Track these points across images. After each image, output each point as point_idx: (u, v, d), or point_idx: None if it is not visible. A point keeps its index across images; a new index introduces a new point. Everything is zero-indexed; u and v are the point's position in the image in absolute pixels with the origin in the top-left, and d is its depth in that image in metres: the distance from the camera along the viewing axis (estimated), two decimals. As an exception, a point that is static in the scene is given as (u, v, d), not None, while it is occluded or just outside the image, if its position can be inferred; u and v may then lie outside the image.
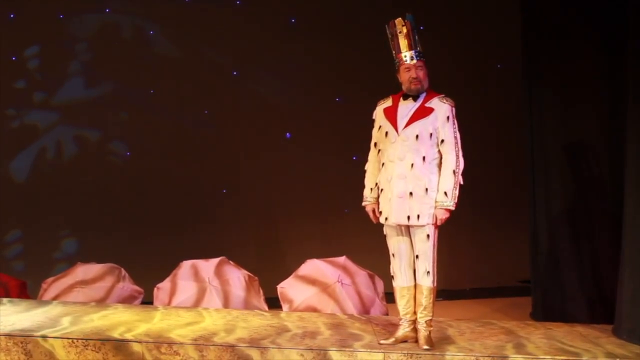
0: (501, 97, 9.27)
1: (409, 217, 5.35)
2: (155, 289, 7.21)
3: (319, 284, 6.96)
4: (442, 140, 5.36)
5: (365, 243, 8.73)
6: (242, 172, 9.18)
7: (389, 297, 7.39)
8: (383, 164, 5.53)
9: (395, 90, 5.63)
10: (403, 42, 5.51)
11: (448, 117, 5.38)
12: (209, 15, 9.19)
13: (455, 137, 5.39)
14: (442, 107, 5.40)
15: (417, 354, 5.27)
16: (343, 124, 9.06)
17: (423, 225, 5.35)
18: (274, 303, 7.25)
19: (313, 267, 7.15)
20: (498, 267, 9.23)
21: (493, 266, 9.24)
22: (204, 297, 6.90)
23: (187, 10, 9.19)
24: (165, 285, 7.16)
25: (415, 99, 5.47)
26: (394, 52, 5.56)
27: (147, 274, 7.78)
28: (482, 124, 9.35)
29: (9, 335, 5.48)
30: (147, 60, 9.18)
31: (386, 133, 5.49)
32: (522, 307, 7.87)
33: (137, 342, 5.41)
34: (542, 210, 7.35)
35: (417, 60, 5.46)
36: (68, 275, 7.38)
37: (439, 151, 5.39)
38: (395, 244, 5.53)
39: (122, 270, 7.45)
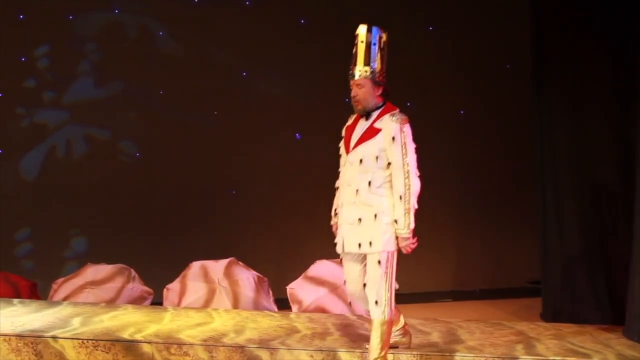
0: (510, 97, 9.27)
1: (360, 245, 4.97)
2: (165, 289, 7.23)
3: (328, 285, 6.96)
4: (391, 163, 4.97)
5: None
6: (251, 172, 9.18)
7: (399, 297, 7.40)
8: (337, 187, 5.27)
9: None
10: (353, 56, 5.19)
11: (394, 138, 4.96)
12: (218, 15, 9.20)
13: (404, 159, 4.97)
14: (389, 127, 4.99)
15: (427, 355, 5.26)
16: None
17: (374, 253, 4.92)
18: (283, 304, 7.26)
19: (322, 267, 7.16)
20: (507, 268, 9.23)
21: (502, 267, 9.23)
22: (214, 298, 6.91)
23: (196, 10, 9.21)
24: (174, 286, 7.18)
25: (367, 117, 5.11)
26: None
27: (156, 274, 7.80)
28: (490, 124, 9.36)
29: (19, 336, 5.50)
30: (156, 61, 9.20)
31: (340, 155, 5.21)
32: (532, 308, 7.84)
33: (147, 342, 5.42)
34: (551, 211, 7.32)
35: (359, 77, 5.08)
36: (78, 276, 7.41)
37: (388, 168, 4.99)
38: (348, 270, 5.14)
39: (132, 271, 7.47)
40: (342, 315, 6.55)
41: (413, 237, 4.97)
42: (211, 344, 5.40)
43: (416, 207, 5.01)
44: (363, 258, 5.03)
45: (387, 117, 5.06)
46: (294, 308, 6.95)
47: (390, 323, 5.00)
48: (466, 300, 8.84)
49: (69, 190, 9.04)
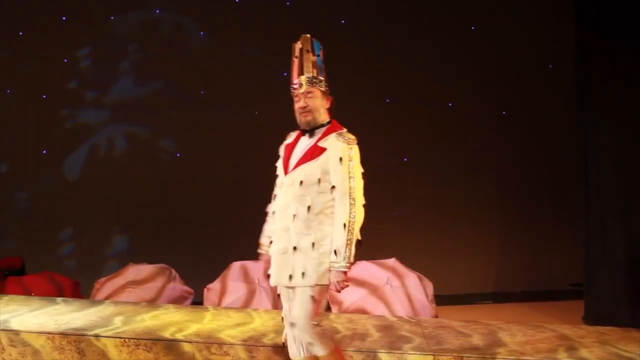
0: (552, 97, 9.16)
1: (290, 276, 4.43)
2: (205, 289, 7.27)
3: (368, 286, 6.94)
4: (334, 187, 4.45)
5: (415, 245, 8.75)
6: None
7: (439, 299, 7.37)
8: (273, 212, 4.74)
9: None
10: (294, 68, 4.74)
11: (341, 159, 4.48)
12: (259, 16, 9.22)
13: (350, 184, 4.47)
14: (335, 147, 4.51)
15: (468, 356, 5.22)
16: (393, 125, 9.03)
17: (307, 286, 4.38)
18: (323, 304, 7.25)
19: (362, 269, 7.14)
20: (549, 271, 9.13)
21: (543, 269, 9.13)
22: (254, 298, 6.93)
23: (237, 11, 9.23)
24: (215, 286, 7.21)
25: (311, 134, 4.63)
26: None
27: (197, 274, 7.84)
28: (532, 125, 9.26)
29: (63, 334, 5.56)
30: (196, 60, 9.25)
31: (277, 176, 4.72)
32: (574, 311, 7.76)
33: (187, 342, 5.44)
34: (596, 213, 7.23)
35: (308, 86, 4.65)
36: (120, 276, 7.49)
37: (333, 198, 4.48)
38: (283, 302, 4.61)
39: (173, 270, 7.52)
40: (382, 317, 6.53)
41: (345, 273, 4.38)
42: (251, 344, 5.41)
43: (359, 238, 4.49)
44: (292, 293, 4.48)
45: (333, 136, 4.58)
46: (334, 309, 6.95)
47: (335, 351, 4.47)
48: (507, 303, 8.77)
49: (111, 190, 9.13)
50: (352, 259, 4.40)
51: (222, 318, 6.25)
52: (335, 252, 4.37)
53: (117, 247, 9.20)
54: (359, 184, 4.51)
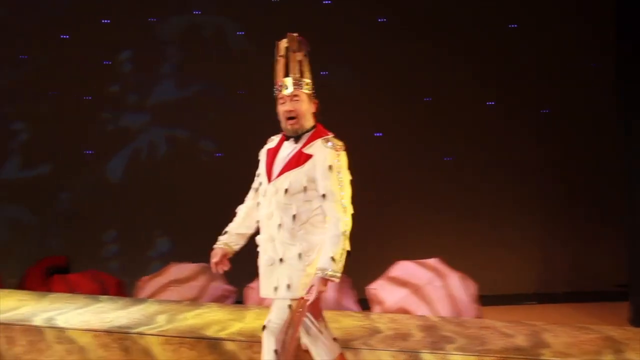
0: (594, 96, 9.07)
1: (275, 288, 4.32)
2: (247, 288, 7.28)
3: (410, 286, 6.92)
4: (324, 195, 4.28)
5: (458, 245, 8.70)
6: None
7: (482, 299, 7.32)
8: (258, 221, 4.57)
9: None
10: (279, 68, 4.52)
11: (330, 167, 4.32)
12: (297, 15, 9.23)
13: (341, 192, 4.33)
14: (322, 153, 4.33)
15: (512, 357, 5.17)
16: (433, 124, 9.01)
17: (293, 299, 4.26)
18: (365, 304, 7.24)
19: (404, 268, 7.12)
20: (593, 271, 9.02)
21: (587, 270, 9.03)
22: (296, 298, 6.93)
23: (275, 10, 9.25)
24: (256, 285, 7.21)
25: (296, 140, 4.44)
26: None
27: (238, 273, 7.85)
28: (574, 124, 9.18)
29: (107, 332, 5.61)
30: (235, 61, 9.29)
31: (260, 183, 4.58)
32: (620, 312, 7.65)
33: (230, 340, 5.46)
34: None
35: (295, 88, 4.44)
36: (162, 275, 7.54)
37: (320, 207, 4.30)
38: (269, 313, 4.53)
39: (215, 269, 7.55)
40: (424, 317, 6.50)
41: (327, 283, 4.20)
42: (294, 343, 5.41)
43: (349, 249, 4.33)
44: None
45: (319, 142, 4.40)
46: (376, 309, 6.93)
47: (340, 358, 4.37)
48: (550, 303, 8.69)
49: (153, 192, 9.21)
50: (342, 269, 4.23)
51: (264, 317, 6.20)
52: (332, 258, 4.18)
53: (160, 249, 9.28)
54: (348, 192, 4.37)
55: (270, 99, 9.38)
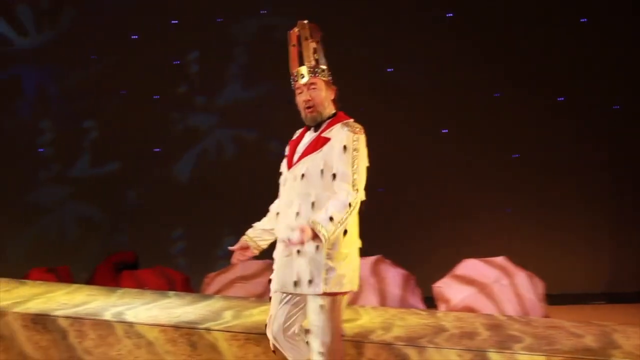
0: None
1: (296, 283, 4.16)
2: (314, 285, 7.31)
3: (476, 284, 6.86)
4: (334, 175, 4.10)
5: (526, 243, 8.60)
6: (397, 169, 9.17)
7: (550, 299, 7.21)
8: (277, 213, 4.47)
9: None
10: (293, 57, 4.42)
11: (345, 147, 4.12)
12: (362, 11, 9.23)
13: (353, 173, 4.08)
14: (339, 135, 4.18)
15: (581, 358, 5.08)
16: (502, 120, 8.92)
17: (316, 295, 4.09)
18: (430, 302, 7.20)
19: (470, 266, 7.07)
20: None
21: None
22: (361, 295, 6.94)
23: (339, 7, 9.26)
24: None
25: (317, 128, 4.33)
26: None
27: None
28: None
29: (175, 327, 5.67)
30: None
31: (281, 174, 4.44)
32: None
33: (296, 337, 5.47)
34: None
35: (311, 77, 4.34)
36: (229, 271, 7.61)
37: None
38: (276, 310, 4.36)
39: (280, 266, 7.59)
40: (491, 315, 6.42)
41: (315, 237, 3.94)
42: (359, 340, 5.40)
43: (347, 229, 4.13)
44: (300, 301, 4.23)
45: (338, 126, 4.26)
46: (441, 307, 6.89)
47: None
48: (621, 303, 8.52)
49: (220, 191, 9.30)
50: (332, 237, 3.99)
51: (329, 314, 6.26)
52: (330, 218, 3.96)
53: (227, 246, 9.35)
54: (361, 176, 4.14)
55: (337, 96, 9.43)
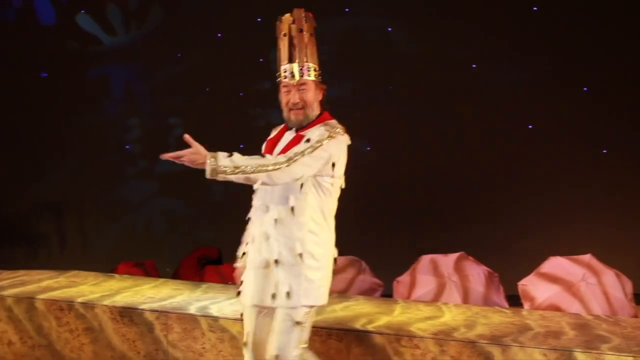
0: None
1: (273, 295, 3.85)
2: (395, 282, 7.30)
3: (562, 283, 6.74)
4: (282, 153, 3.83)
5: (613, 241, 8.40)
6: (482, 166, 9.08)
7: (638, 298, 7.04)
8: (249, 218, 4.14)
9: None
10: (284, 50, 4.07)
11: (309, 140, 3.88)
12: (444, 8, 9.16)
13: (303, 152, 3.78)
14: (314, 132, 3.94)
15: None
16: (591, 116, 8.73)
17: (291, 308, 3.83)
18: (513, 300, 7.11)
19: (556, 264, 6.95)
20: None
21: None
22: (444, 292, 6.89)
23: (423, 4, 9.22)
24: (404, 279, 7.23)
25: (297, 128, 4.04)
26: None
27: (386, 267, 7.89)
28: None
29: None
30: (385, 57, 9.32)
31: None
32: None
33: (378, 333, 5.46)
34: None
35: (301, 76, 4.02)
36: (311, 267, 7.65)
37: (320, 201, 3.96)
38: (251, 325, 4.04)
39: (363, 263, 7.60)
40: (577, 315, 6.30)
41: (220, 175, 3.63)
42: (442, 337, 5.36)
43: (255, 185, 3.91)
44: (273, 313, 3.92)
45: (317, 125, 3.99)
46: (526, 305, 6.80)
47: None
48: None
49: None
50: (219, 176, 3.65)
51: (412, 311, 6.24)
52: (232, 160, 3.67)
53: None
54: (309, 160, 3.81)
55: (419, 94, 9.41)
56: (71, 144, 9.93)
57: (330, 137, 3.93)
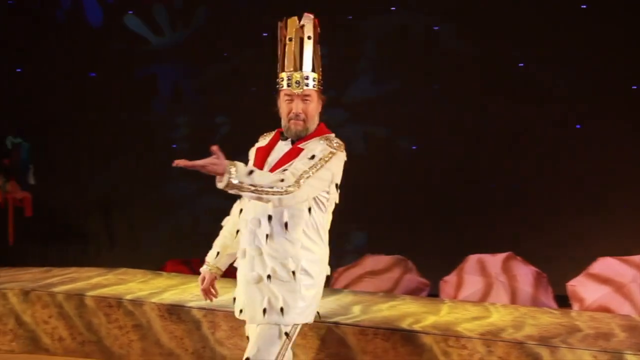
0: None
1: (265, 310, 3.74)
2: (442, 282, 7.27)
3: (612, 284, 6.66)
4: (284, 171, 3.73)
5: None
6: (529, 166, 8.99)
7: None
8: (238, 231, 4.04)
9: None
10: (289, 56, 3.95)
11: (314, 156, 3.77)
12: (492, 6, 9.08)
13: (309, 172, 3.69)
14: (314, 145, 3.84)
15: None
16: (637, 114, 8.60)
17: (284, 324, 3.76)
18: (562, 301, 7.03)
19: (606, 265, 6.86)
20: None
21: None
22: (491, 292, 6.85)
23: (469, 3, 9.16)
24: (451, 278, 7.20)
25: (293, 140, 3.92)
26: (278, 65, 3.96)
27: (433, 266, 7.85)
28: None
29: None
30: (431, 55, 9.28)
31: None
32: None
33: (425, 333, 5.44)
34: None
35: (307, 86, 3.91)
36: (358, 266, 7.66)
37: (310, 209, 3.85)
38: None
39: (409, 262, 7.58)
40: (628, 317, 6.21)
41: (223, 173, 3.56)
42: (489, 338, 5.33)
43: (263, 198, 3.64)
44: None
45: (316, 139, 3.88)
46: (575, 306, 6.72)
47: None
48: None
49: (349, 188, 9.32)
50: (234, 190, 3.60)
51: (458, 311, 6.20)
52: (251, 172, 3.57)
53: (355, 241, 9.42)
54: (315, 181, 3.75)
55: (465, 93, 9.36)
56: (120, 143, 10.04)
57: (331, 153, 3.85)
